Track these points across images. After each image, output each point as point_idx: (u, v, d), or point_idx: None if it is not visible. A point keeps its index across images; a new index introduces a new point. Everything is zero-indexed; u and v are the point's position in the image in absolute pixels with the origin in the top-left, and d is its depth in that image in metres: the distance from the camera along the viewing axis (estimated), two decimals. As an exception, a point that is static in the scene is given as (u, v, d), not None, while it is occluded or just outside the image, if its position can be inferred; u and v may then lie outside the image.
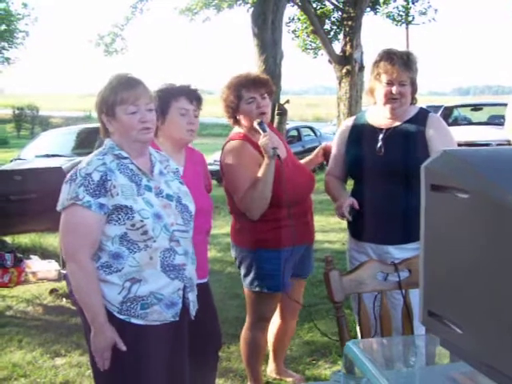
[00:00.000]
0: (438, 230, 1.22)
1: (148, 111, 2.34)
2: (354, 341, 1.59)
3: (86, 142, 10.68)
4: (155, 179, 2.39)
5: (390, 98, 2.92)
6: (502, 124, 13.58)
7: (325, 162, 3.45)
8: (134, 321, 2.29)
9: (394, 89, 2.90)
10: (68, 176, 2.32)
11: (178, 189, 2.47)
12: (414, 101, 3.01)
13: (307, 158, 3.50)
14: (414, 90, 2.96)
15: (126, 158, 2.34)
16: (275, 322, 3.51)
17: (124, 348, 2.26)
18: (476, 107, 17.17)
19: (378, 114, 3.03)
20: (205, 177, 3.04)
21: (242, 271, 3.25)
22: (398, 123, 2.98)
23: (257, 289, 3.19)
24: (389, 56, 2.91)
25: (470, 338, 1.12)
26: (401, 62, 2.88)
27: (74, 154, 10.19)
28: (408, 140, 2.93)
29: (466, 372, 1.53)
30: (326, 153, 3.34)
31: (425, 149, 2.88)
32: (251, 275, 3.19)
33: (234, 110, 3.17)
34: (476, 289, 1.12)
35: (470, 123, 15.64)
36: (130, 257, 2.26)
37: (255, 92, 3.12)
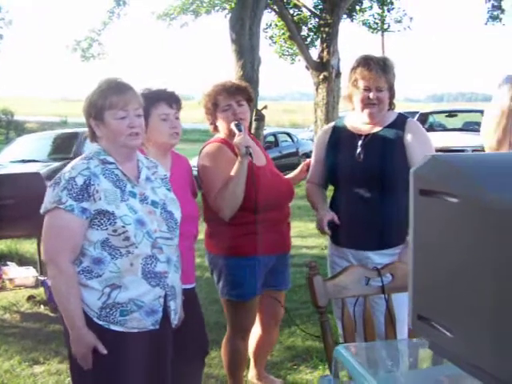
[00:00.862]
0: (427, 235, 1.23)
1: (137, 117, 2.34)
2: (344, 345, 1.60)
3: (62, 147, 10.61)
4: (141, 185, 2.38)
5: (367, 104, 2.94)
6: (476, 130, 13.85)
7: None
8: (112, 327, 2.27)
9: (372, 94, 2.91)
10: (52, 180, 2.30)
11: (165, 195, 2.46)
12: (392, 106, 3.03)
13: (291, 174, 3.48)
14: (392, 95, 2.99)
15: (111, 163, 2.33)
16: (257, 331, 3.48)
17: (105, 351, 2.24)
18: (451, 114, 17.40)
19: (356, 120, 3.05)
20: (191, 182, 3.03)
21: (215, 278, 3.24)
22: (376, 129, 2.99)
23: (226, 296, 3.18)
24: (366, 62, 2.93)
25: (459, 340, 1.13)
26: (378, 68, 2.90)
27: (51, 159, 10.09)
28: (387, 146, 2.95)
29: (451, 375, 1.55)
30: (309, 168, 3.35)
31: (403, 154, 2.90)
32: (222, 282, 3.18)
33: (212, 117, 3.19)
34: (465, 292, 1.13)
35: (445, 129, 15.86)
36: (112, 262, 2.25)
37: (231, 99, 3.12)
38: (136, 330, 2.30)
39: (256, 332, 3.48)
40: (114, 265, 2.25)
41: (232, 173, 2.97)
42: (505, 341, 1.02)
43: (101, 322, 2.26)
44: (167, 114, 2.81)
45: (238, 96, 3.15)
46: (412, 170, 1.26)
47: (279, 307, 3.39)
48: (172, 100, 2.84)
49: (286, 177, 3.43)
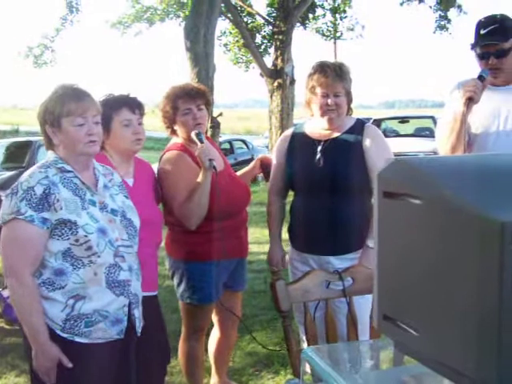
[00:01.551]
0: (392, 236, 1.26)
1: (95, 124, 2.30)
2: (311, 347, 1.61)
3: (15, 156, 10.41)
4: (99, 193, 2.34)
5: (326, 110, 2.97)
6: (427, 136, 14.14)
7: (261, 175, 3.48)
8: (77, 339, 2.23)
9: (330, 100, 2.94)
10: (9, 190, 2.24)
11: (123, 203, 2.43)
12: (349, 111, 3.07)
13: (244, 170, 3.50)
14: (350, 100, 3.03)
15: (69, 171, 2.29)
16: (215, 334, 3.50)
17: (70, 365, 2.20)
18: (403, 120, 17.76)
19: (315, 126, 3.08)
20: (154, 188, 3.00)
21: (175, 282, 3.23)
22: (336, 134, 3.02)
23: (187, 300, 3.18)
24: (322, 68, 2.97)
25: (425, 339, 1.16)
26: (334, 74, 2.94)
27: (3, 168, 9.90)
28: (346, 151, 2.98)
29: (414, 375, 1.59)
30: (263, 165, 3.37)
31: (362, 159, 2.94)
32: (182, 286, 3.17)
33: (170, 121, 3.15)
34: (430, 291, 1.16)
35: (398, 135, 16.19)
36: (74, 273, 2.20)
37: (191, 103, 3.10)
38: (101, 341, 2.26)
39: (214, 335, 3.49)
40: (76, 275, 2.21)
41: (196, 185, 2.96)
42: (472, 338, 1.05)
43: (65, 335, 2.22)
44: (129, 120, 2.77)
45: (198, 100, 3.13)
46: (376, 173, 1.29)
47: (236, 308, 3.41)
48: (134, 105, 2.80)
49: (239, 173, 3.45)
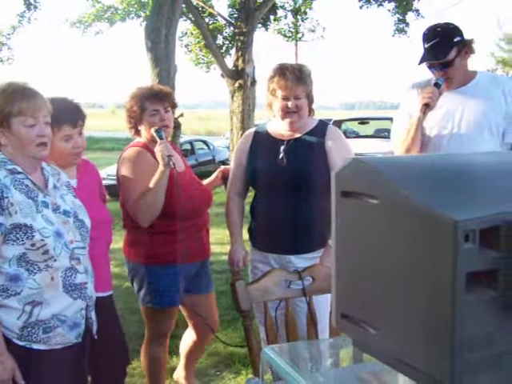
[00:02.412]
0: (349, 235, 1.28)
1: (45, 125, 2.22)
2: (269, 346, 1.62)
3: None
4: (51, 194, 2.28)
5: (286, 112, 2.99)
6: (386, 137, 14.35)
7: (223, 186, 3.48)
8: (35, 346, 2.17)
9: (290, 103, 2.97)
10: None
11: (73, 203, 2.38)
12: (311, 113, 3.10)
13: (206, 181, 3.49)
14: (310, 101, 3.05)
15: (20, 172, 2.21)
16: (190, 337, 3.47)
17: (22, 382, 2.13)
18: (363, 121, 17.99)
19: (278, 127, 3.09)
20: (100, 187, 2.92)
21: (135, 286, 3.20)
22: (298, 135, 3.05)
23: (148, 305, 3.16)
24: (282, 71, 2.98)
25: (383, 337, 1.18)
26: (293, 77, 2.95)
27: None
28: (309, 151, 3.00)
29: (372, 371, 1.61)
30: (224, 175, 3.37)
31: (324, 159, 2.96)
32: (143, 291, 3.15)
33: (136, 121, 3.13)
34: (387, 290, 1.18)
35: (358, 136, 16.39)
36: (30, 278, 2.14)
37: (159, 105, 3.10)
38: (59, 346, 2.22)
39: (189, 338, 3.47)
40: (32, 281, 2.14)
41: (152, 181, 2.93)
42: (428, 336, 1.08)
43: (22, 343, 2.16)
44: (70, 135, 2.62)
45: (166, 102, 3.14)
46: (333, 173, 1.30)
47: (212, 309, 3.41)
48: (77, 118, 2.65)
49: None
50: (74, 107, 2.67)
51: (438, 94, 2.90)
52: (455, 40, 2.87)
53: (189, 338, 3.48)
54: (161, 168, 2.92)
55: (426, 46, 2.88)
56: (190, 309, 3.29)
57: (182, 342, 3.50)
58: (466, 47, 2.90)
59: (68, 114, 2.62)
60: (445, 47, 2.86)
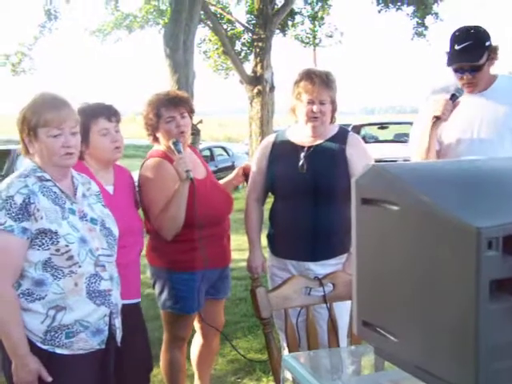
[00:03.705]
0: (370, 242, 1.27)
1: (72, 135, 2.26)
2: (291, 354, 1.62)
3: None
4: (79, 202, 2.32)
5: (311, 117, 2.98)
6: (406, 141, 14.25)
7: (244, 183, 3.47)
8: (58, 351, 2.19)
9: (315, 108, 2.96)
10: None
11: (101, 212, 2.41)
12: (333, 119, 3.08)
13: (227, 178, 3.49)
14: (334, 108, 3.04)
15: (48, 180, 2.25)
16: (198, 342, 3.48)
17: (50, 379, 2.16)
18: (382, 126, 17.88)
19: (299, 133, 3.08)
20: (134, 194, 2.98)
21: (156, 290, 3.21)
22: (319, 141, 3.04)
23: (169, 310, 3.17)
24: (309, 76, 2.98)
25: (404, 344, 1.17)
26: (320, 82, 2.95)
27: (-19, 177, 9.79)
28: (329, 158, 3.00)
29: (394, 380, 1.59)
30: (246, 172, 3.37)
31: (345, 167, 2.95)
32: (164, 295, 3.15)
33: (153, 128, 3.13)
34: (408, 297, 1.16)
35: (377, 141, 16.30)
36: (54, 283, 2.17)
37: (175, 111, 3.08)
38: (82, 352, 2.24)
39: (197, 342, 3.47)
40: (56, 285, 2.17)
41: (172, 197, 2.95)
42: (450, 344, 1.06)
43: (45, 347, 2.18)
44: (107, 129, 2.75)
45: (182, 108, 3.11)
46: (353, 180, 1.29)
47: (219, 315, 3.40)
48: (111, 113, 2.78)
49: (222, 181, 3.44)
50: (107, 106, 2.82)
51: (453, 106, 2.85)
52: (486, 44, 2.82)
53: (196, 344, 3.49)
54: (179, 183, 2.93)
55: (457, 47, 2.80)
56: (199, 314, 3.28)
57: (191, 353, 3.50)
58: (492, 53, 2.86)
59: (103, 108, 2.79)
60: (478, 50, 2.80)
